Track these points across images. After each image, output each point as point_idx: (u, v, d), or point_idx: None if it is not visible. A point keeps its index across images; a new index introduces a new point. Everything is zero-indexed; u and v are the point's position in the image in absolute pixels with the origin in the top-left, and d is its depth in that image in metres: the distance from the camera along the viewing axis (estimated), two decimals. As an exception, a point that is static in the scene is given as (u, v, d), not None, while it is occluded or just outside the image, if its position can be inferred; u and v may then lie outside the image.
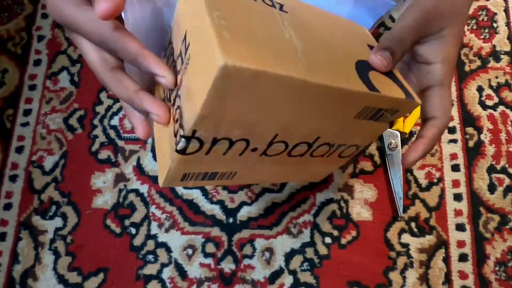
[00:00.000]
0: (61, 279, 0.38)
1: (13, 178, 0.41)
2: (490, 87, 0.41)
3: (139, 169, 0.40)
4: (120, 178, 0.40)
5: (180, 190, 0.40)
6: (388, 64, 0.22)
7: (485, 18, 0.43)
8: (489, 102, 0.40)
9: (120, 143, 0.41)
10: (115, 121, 0.42)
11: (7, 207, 0.40)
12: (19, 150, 0.42)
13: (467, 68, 0.41)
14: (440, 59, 0.24)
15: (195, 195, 0.39)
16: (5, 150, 0.42)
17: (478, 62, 0.42)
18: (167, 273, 0.37)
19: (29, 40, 0.45)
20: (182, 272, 0.37)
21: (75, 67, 0.44)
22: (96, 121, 0.42)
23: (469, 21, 0.43)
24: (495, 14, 0.43)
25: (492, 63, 0.41)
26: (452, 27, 0.24)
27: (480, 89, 0.41)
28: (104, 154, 0.41)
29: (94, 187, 0.40)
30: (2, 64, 0.44)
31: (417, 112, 0.40)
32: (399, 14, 0.24)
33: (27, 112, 0.43)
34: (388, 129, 0.39)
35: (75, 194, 0.40)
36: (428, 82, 0.24)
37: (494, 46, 0.42)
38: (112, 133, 0.41)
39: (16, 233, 0.39)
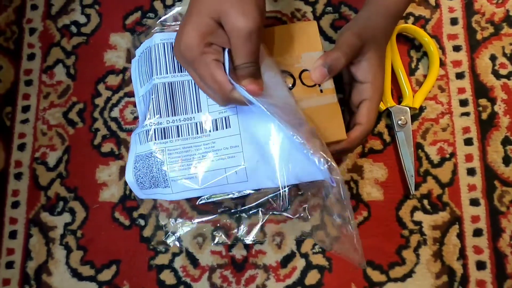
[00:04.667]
0: (74, 272, 0.41)
1: (18, 176, 0.43)
2: (504, 55, 0.41)
3: (143, 160, 0.42)
4: (125, 170, 0.42)
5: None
6: (325, 78, 0.32)
7: (498, -19, 0.43)
8: (503, 71, 0.41)
9: (122, 135, 0.43)
10: (115, 113, 0.44)
11: (15, 205, 0.43)
12: (21, 147, 0.44)
13: (479, 36, 0.42)
14: (370, 79, 0.33)
15: (202, 183, 0.41)
16: (7, 148, 0.44)
17: (491, 29, 0.42)
18: (179, 262, 0.40)
19: (20, 33, 0.46)
20: (193, 261, 0.40)
21: (70, 59, 0.45)
22: (96, 114, 0.44)
23: (480, -14, 0.43)
24: (508, -25, 0.43)
25: (505, 29, 0.42)
26: (373, 51, 0.33)
27: (493, 58, 0.41)
28: (107, 147, 0.43)
29: (99, 181, 0.42)
30: (-4, 60, 0.46)
31: (427, 86, 0.40)
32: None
33: (25, 109, 0.45)
34: (397, 106, 0.40)
35: (81, 188, 0.42)
36: (361, 97, 0.33)
37: (507, 10, 0.42)
38: (113, 125, 0.43)
39: (26, 230, 0.42)
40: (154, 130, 0.31)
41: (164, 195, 0.32)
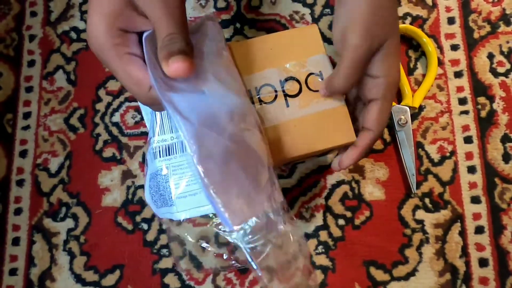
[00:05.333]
0: (78, 278, 0.41)
1: (20, 183, 0.44)
2: (501, 53, 0.42)
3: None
4: (127, 175, 0.43)
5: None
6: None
7: (493, -20, 0.44)
8: (500, 69, 0.42)
9: (124, 139, 0.43)
10: (116, 118, 0.44)
11: (17, 212, 0.43)
12: (23, 154, 0.44)
13: (476, 35, 0.43)
14: (383, 74, 0.28)
15: (204, 186, 0.42)
16: (9, 155, 0.44)
17: (488, 28, 0.43)
18: (183, 265, 0.40)
19: (20, 40, 0.47)
20: (197, 264, 0.40)
21: (70, 65, 0.46)
22: (97, 119, 0.44)
23: (476, -15, 0.44)
24: (504, -26, 0.43)
25: (502, 28, 0.42)
26: (390, 39, 0.27)
27: (490, 56, 0.42)
28: (108, 152, 0.43)
29: (102, 186, 0.43)
30: (-4, 67, 0.46)
31: (426, 85, 0.41)
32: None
33: (26, 115, 0.45)
34: (397, 105, 0.41)
35: (84, 194, 0.43)
36: (372, 95, 0.29)
37: (504, 9, 0.43)
38: (114, 130, 0.44)
39: (29, 237, 0.42)
40: (159, 147, 0.31)
41: (171, 214, 0.31)
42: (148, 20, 0.22)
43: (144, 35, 0.23)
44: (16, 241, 0.42)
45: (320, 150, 0.32)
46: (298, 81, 0.32)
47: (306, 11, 0.45)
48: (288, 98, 0.32)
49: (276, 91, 0.32)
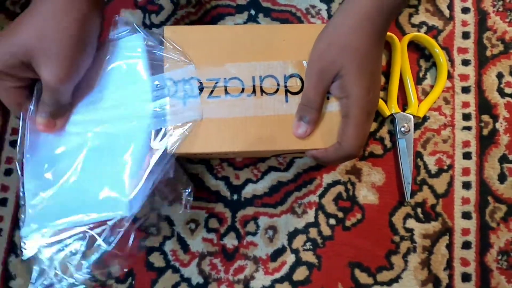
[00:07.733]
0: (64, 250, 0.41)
1: (13, 144, 0.43)
2: (511, 74, 0.42)
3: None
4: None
5: (184, 164, 0.42)
6: (309, 130, 0.31)
7: (513, 0, 0.44)
8: (508, 90, 0.42)
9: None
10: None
11: (8, 172, 0.42)
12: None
13: (488, 53, 0.43)
14: (344, 95, 0.30)
15: (200, 170, 0.42)
16: (4, 115, 0.44)
17: (501, 47, 0.43)
18: (169, 245, 0.40)
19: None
20: (184, 246, 0.40)
21: (78, 31, 0.45)
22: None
23: (495, 3, 0.44)
24: (524, -4, 0.44)
25: (515, 49, 0.43)
26: (348, 65, 0.29)
27: (500, 76, 0.42)
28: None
29: (96, 157, 0.42)
30: (0, 23, 0.45)
31: (433, 96, 0.41)
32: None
33: (27, 76, 0.44)
34: (402, 113, 0.41)
35: (77, 163, 0.42)
36: (342, 113, 0.32)
37: (519, 30, 0.43)
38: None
39: (17, 198, 0.42)
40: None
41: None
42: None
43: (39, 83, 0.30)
44: (3, 202, 0.42)
45: (303, 150, 0.33)
46: (301, 79, 0.33)
47: (323, 6, 0.44)
48: (288, 94, 0.33)
49: (278, 84, 0.33)
